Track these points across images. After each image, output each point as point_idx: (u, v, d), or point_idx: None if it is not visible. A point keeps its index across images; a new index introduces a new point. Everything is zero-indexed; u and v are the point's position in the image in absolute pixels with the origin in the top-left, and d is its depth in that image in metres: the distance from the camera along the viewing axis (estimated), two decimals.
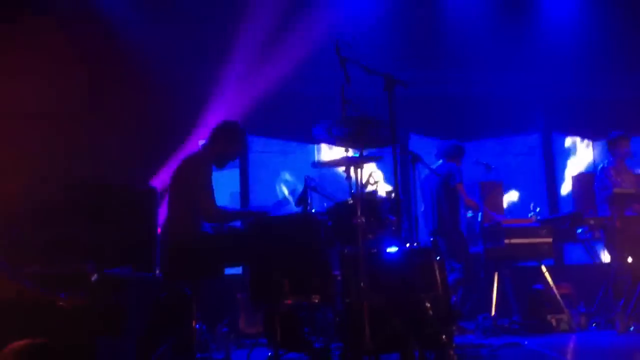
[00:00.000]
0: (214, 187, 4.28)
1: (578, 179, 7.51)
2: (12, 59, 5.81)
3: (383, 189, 4.60)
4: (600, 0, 7.74)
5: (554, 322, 5.78)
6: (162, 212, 4.59)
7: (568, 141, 8.74)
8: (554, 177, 8.51)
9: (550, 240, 6.10)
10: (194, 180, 4.25)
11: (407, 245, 4.43)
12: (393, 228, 4.22)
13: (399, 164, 3.95)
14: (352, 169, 3.99)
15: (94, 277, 3.25)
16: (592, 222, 6.15)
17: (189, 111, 7.19)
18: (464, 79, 8.25)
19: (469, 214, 6.69)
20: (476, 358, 4.13)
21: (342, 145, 4.10)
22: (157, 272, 4.86)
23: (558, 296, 5.91)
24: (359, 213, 3.74)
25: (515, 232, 6.07)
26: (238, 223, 4.72)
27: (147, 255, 5.06)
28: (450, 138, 6.79)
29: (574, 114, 8.30)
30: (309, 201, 4.55)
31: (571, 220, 6.22)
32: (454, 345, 3.86)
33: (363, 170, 3.93)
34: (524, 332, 5.66)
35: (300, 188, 4.76)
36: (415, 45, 7.75)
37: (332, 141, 4.21)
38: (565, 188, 8.41)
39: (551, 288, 6.00)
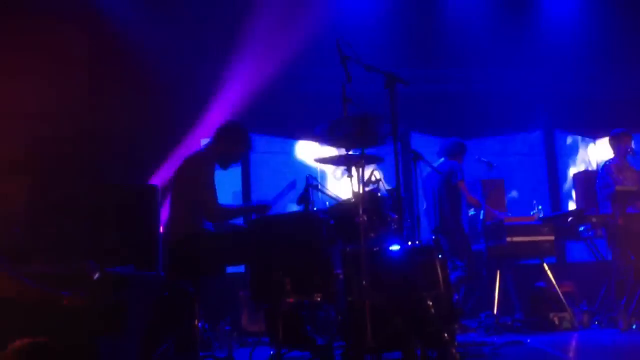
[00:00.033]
0: (216, 187, 4.27)
1: (580, 177, 7.50)
2: (12, 59, 5.81)
3: (384, 186, 4.59)
4: None
5: (556, 320, 5.77)
6: (164, 211, 4.59)
7: (570, 139, 8.73)
8: (556, 174, 8.50)
9: (552, 238, 6.08)
10: (195, 180, 4.25)
11: (409, 243, 4.42)
12: (395, 226, 4.22)
13: (401, 162, 3.94)
14: (353, 168, 4.00)
15: (96, 276, 3.24)
16: (594, 219, 6.14)
17: (189, 109, 7.19)
18: (465, 76, 8.25)
19: (471, 211, 6.68)
20: (478, 356, 4.12)
21: (343, 146, 4.10)
22: (160, 270, 4.88)
23: (560, 294, 5.90)
24: (361, 211, 3.73)
25: (518, 230, 6.06)
26: (241, 221, 4.72)
27: (149, 253, 5.07)
28: (452, 136, 6.79)
29: (576, 111, 8.28)
30: (310, 199, 4.54)
31: (573, 218, 6.20)
32: (456, 343, 3.86)
33: (364, 168, 3.93)
34: (526, 330, 5.65)
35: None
36: (416, 43, 7.75)
37: (333, 142, 4.21)
38: (567, 186, 8.40)
39: (553, 286, 5.99)
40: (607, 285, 6.09)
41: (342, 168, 6.57)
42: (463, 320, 5.78)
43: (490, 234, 6.17)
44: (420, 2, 7.71)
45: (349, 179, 4.05)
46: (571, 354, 4.51)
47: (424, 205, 6.66)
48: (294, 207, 5.04)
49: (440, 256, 4.04)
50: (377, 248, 4.03)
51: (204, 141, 5.28)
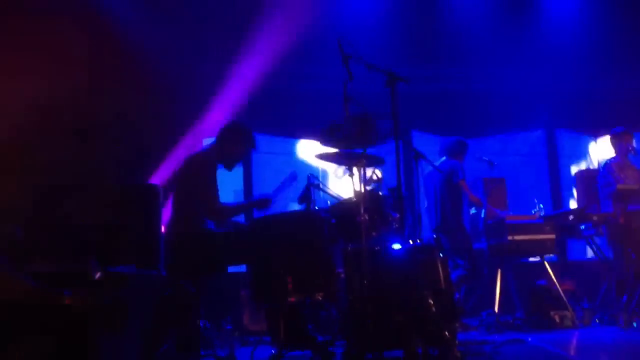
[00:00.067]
0: (218, 186, 4.28)
1: (581, 175, 7.50)
2: (12, 58, 5.81)
3: (385, 185, 4.60)
4: None
5: (557, 318, 5.77)
6: (165, 210, 4.60)
7: (571, 137, 8.72)
8: (557, 173, 8.51)
9: (553, 236, 6.08)
10: (197, 179, 4.25)
11: (410, 242, 4.42)
12: (396, 225, 4.23)
13: (402, 161, 3.95)
14: (354, 167, 4.01)
15: (97, 275, 3.25)
16: (595, 218, 6.15)
17: (190, 109, 7.20)
18: (466, 76, 8.25)
19: (472, 210, 6.68)
20: (479, 354, 4.12)
21: (345, 147, 4.10)
22: (161, 269, 4.88)
23: (561, 292, 5.90)
24: (362, 210, 3.74)
25: (519, 229, 6.06)
26: (242, 218, 4.72)
27: (151, 252, 5.07)
28: (453, 135, 6.79)
29: (577, 110, 8.28)
30: (312, 198, 4.54)
31: (574, 217, 6.21)
32: (457, 342, 3.86)
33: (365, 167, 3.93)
34: (527, 328, 5.66)
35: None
36: (417, 43, 7.74)
37: (335, 143, 4.20)
38: (569, 184, 8.40)
39: (554, 284, 5.99)
40: (607, 283, 6.09)
41: (343, 167, 6.58)
42: (464, 318, 5.79)
43: (492, 232, 6.18)
44: (421, 1, 7.70)
45: (350, 178, 4.05)
46: (572, 352, 4.51)
47: (425, 204, 6.66)
48: (296, 206, 5.05)
49: (441, 255, 4.05)
50: (379, 247, 4.03)
51: (207, 141, 5.29)
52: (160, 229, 5.29)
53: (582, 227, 6.39)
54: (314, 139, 6.18)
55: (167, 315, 3.99)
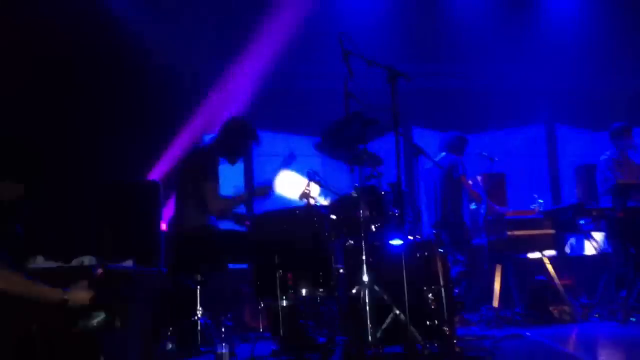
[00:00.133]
0: (220, 182, 4.28)
1: (581, 171, 7.51)
2: (11, 57, 5.80)
3: (385, 181, 4.59)
4: None
5: (556, 313, 5.79)
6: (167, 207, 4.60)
7: (571, 133, 8.72)
8: (557, 168, 8.52)
9: (552, 231, 6.10)
10: (199, 173, 4.25)
11: (410, 238, 4.43)
12: (396, 221, 4.23)
13: (402, 156, 3.95)
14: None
15: (98, 272, 3.26)
16: (594, 213, 6.15)
17: (190, 107, 7.20)
18: (466, 72, 8.23)
19: (472, 206, 6.69)
20: (479, 349, 4.13)
21: (346, 149, 4.10)
22: (161, 266, 4.89)
23: (560, 287, 5.92)
24: (362, 206, 3.74)
25: (518, 224, 6.07)
26: (243, 209, 4.71)
27: (151, 249, 5.09)
28: (453, 131, 6.79)
29: (577, 106, 8.29)
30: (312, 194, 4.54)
31: (573, 212, 6.21)
32: (457, 337, 3.88)
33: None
34: (527, 324, 5.67)
35: None
36: (418, 39, 7.74)
37: (336, 143, 4.21)
38: (568, 180, 8.40)
39: (553, 279, 6.01)
40: (606, 279, 6.10)
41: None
42: (464, 313, 5.80)
43: (491, 228, 6.19)
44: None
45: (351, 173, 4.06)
46: (571, 347, 4.52)
47: (424, 200, 6.67)
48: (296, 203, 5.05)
49: (441, 250, 4.05)
50: (378, 243, 4.04)
51: (207, 137, 5.28)
52: (160, 225, 5.31)
53: (582, 222, 6.39)
54: (315, 136, 6.18)
55: (168, 312, 4.00)
